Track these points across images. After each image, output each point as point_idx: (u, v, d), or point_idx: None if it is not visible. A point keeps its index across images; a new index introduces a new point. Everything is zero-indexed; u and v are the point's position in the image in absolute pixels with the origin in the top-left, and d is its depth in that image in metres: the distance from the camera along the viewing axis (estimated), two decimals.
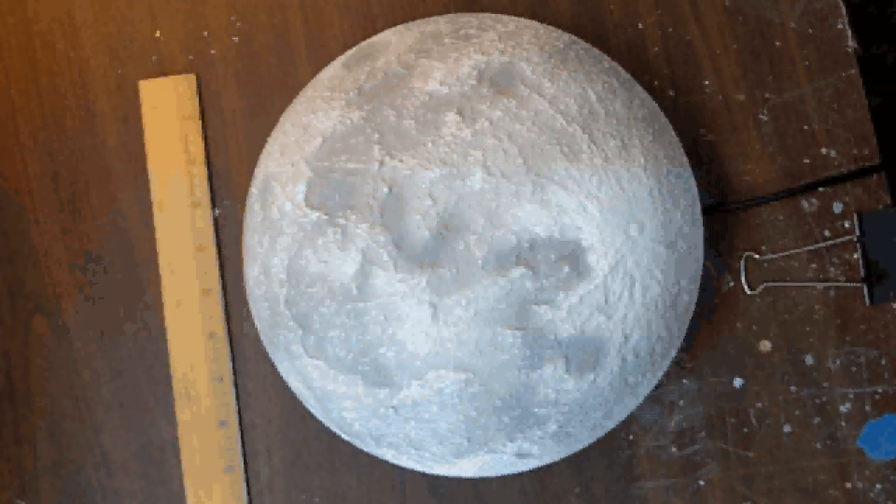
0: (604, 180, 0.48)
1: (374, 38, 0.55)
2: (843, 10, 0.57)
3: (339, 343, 0.49)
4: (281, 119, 0.55)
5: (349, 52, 0.55)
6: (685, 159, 0.53)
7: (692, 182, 0.52)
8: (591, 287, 0.47)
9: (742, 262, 0.56)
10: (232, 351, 0.58)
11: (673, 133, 0.53)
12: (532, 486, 0.57)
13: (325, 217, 0.49)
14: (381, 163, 0.48)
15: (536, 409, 0.49)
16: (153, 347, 0.59)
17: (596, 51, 0.54)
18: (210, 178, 0.59)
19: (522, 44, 0.51)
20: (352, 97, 0.51)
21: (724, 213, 0.56)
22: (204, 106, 0.60)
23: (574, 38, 0.54)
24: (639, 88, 0.53)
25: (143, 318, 0.59)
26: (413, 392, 0.49)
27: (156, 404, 0.59)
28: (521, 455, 0.51)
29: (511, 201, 0.47)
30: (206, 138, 0.59)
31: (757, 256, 0.56)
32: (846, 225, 0.56)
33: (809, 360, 0.55)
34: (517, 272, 0.47)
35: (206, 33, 0.60)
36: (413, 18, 0.59)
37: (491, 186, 0.47)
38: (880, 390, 0.55)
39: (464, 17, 0.54)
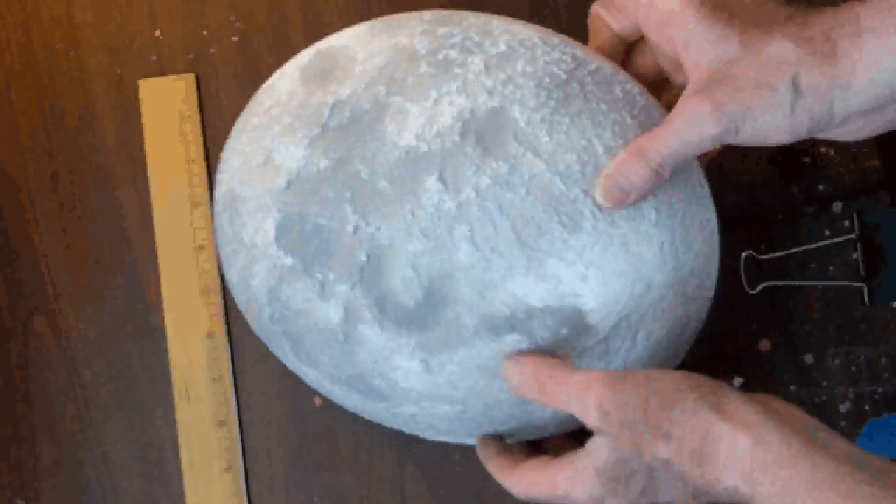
0: (608, 247, 0.43)
1: (334, 42, 0.46)
2: None
3: (331, 365, 0.48)
4: (238, 125, 0.49)
5: (306, 58, 0.47)
6: (706, 188, 0.46)
7: (711, 210, 0.47)
8: (591, 343, 0.45)
9: (742, 262, 0.56)
10: (231, 351, 0.58)
11: (695, 161, 0.46)
12: None
13: (300, 265, 0.45)
14: (356, 227, 0.44)
15: (536, 423, 0.48)
16: (153, 347, 0.59)
17: (607, 70, 0.44)
18: (209, 177, 0.59)
19: (516, 77, 0.42)
20: (316, 135, 0.44)
21: (724, 213, 0.56)
22: (203, 105, 0.60)
23: (580, 55, 0.44)
24: (656, 114, 0.44)
25: (143, 317, 0.59)
26: (410, 409, 0.48)
27: (156, 404, 0.59)
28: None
29: (504, 275, 0.43)
30: (205, 138, 0.59)
31: (757, 256, 0.56)
32: (846, 224, 0.56)
33: (809, 359, 0.55)
34: (511, 338, 0.44)
35: (205, 33, 0.60)
36: None
37: (480, 260, 0.43)
38: (880, 390, 0.55)
39: (444, 28, 0.44)
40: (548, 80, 0.42)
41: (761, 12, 0.41)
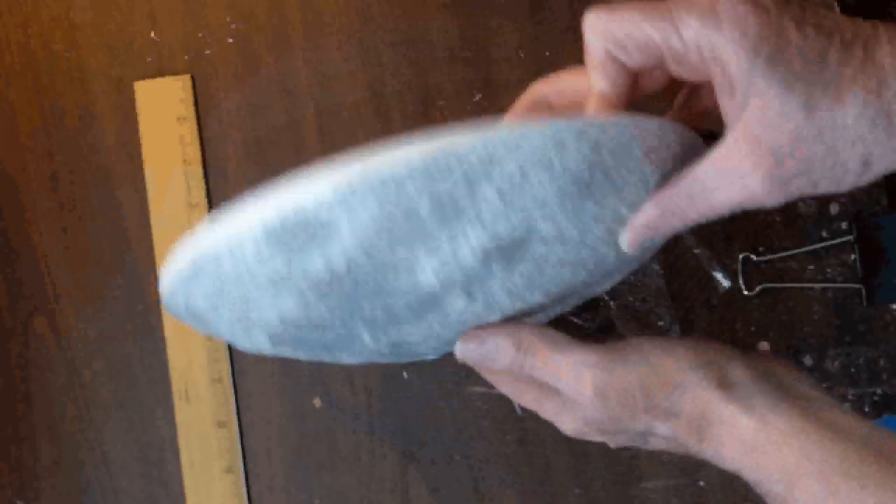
0: (626, 262, 0.43)
1: (304, 203, 0.36)
2: (837, 10, 0.57)
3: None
4: (188, 270, 0.38)
5: (268, 220, 0.36)
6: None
7: None
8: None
9: (740, 263, 0.56)
10: (231, 351, 0.58)
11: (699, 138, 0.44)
12: (532, 487, 0.57)
13: (304, 354, 0.43)
14: (375, 338, 0.40)
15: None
16: (152, 348, 0.59)
17: (624, 135, 0.37)
18: (206, 178, 0.59)
19: (536, 195, 0.36)
20: (307, 292, 0.37)
21: (723, 214, 0.56)
22: (200, 107, 0.60)
23: (595, 136, 0.37)
24: (671, 137, 0.39)
25: (142, 318, 0.59)
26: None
27: (156, 404, 0.59)
28: None
29: (529, 314, 0.43)
30: (202, 139, 0.59)
31: (755, 257, 0.56)
32: (844, 226, 0.56)
33: (808, 360, 0.55)
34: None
35: (202, 34, 0.60)
36: (411, 19, 0.58)
37: (509, 318, 0.42)
38: (880, 391, 0.55)
39: (439, 169, 0.35)
40: (570, 184, 0.37)
41: (824, 65, 0.35)
